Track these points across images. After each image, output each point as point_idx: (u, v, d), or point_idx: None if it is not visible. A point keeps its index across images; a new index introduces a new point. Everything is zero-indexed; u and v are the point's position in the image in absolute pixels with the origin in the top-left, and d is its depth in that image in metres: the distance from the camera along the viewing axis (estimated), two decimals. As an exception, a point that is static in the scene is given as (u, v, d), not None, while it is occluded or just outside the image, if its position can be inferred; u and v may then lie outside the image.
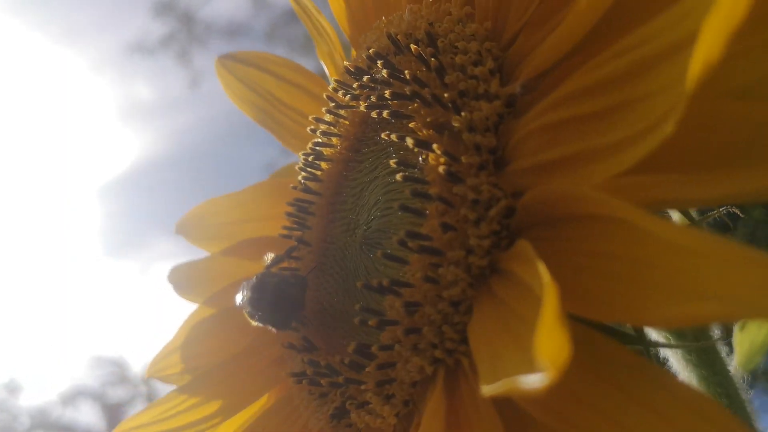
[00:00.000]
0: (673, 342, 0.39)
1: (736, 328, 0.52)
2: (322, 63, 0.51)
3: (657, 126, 0.24)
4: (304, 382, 0.41)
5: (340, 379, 0.38)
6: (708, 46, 0.21)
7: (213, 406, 0.49)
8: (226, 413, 0.48)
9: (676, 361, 0.44)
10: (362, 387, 0.36)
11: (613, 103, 0.26)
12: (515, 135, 0.31)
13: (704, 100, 0.25)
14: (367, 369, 0.35)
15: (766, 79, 0.25)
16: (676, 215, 0.38)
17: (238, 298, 0.46)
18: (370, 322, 0.35)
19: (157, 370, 0.56)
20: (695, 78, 0.21)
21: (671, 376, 0.26)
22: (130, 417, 0.52)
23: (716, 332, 0.42)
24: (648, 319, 0.24)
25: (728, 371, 0.42)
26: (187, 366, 0.54)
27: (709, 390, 0.43)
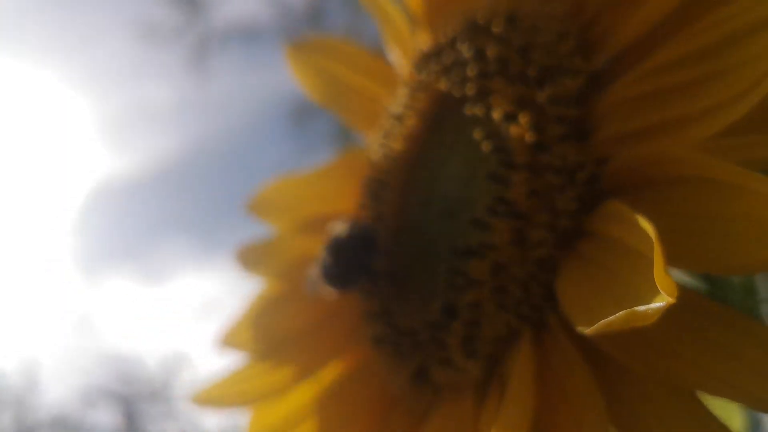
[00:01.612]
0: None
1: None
2: (391, 48, 0.54)
3: (748, 92, 0.26)
4: (385, 343, 0.44)
5: (423, 338, 0.41)
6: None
7: (284, 372, 0.52)
8: (296, 378, 0.51)
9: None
10: (446, 343, 0.38)
11: (704, 72, 0.29)
12: (599, 106, 0.34)
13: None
14: (452, 326, 0.38)
15: None
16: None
17: (312, 269, 0.49)
18: (456, 282, 0.37)
19: (230, 341, 0.59)
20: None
21: (760, 326, 0.28)
22: (208, 383, 0.55)
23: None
24: (742, 267, 0.26)
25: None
26: (259, 337, 0.57)
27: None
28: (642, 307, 0.24)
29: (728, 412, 0.42)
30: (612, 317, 0.25)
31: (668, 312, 0.30)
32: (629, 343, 0.30)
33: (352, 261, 0.45)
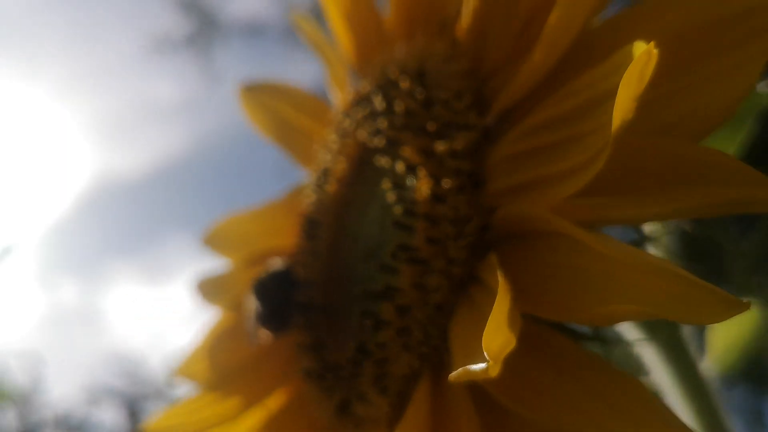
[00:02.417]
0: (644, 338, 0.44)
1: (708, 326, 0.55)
2: (332, 91, 0.57)
3: (594, 159, 0.29)
4: (312, 377, 0.47)
5: (344, 374, 0.43)
6: (622, 103, 0.26)
7: (232, 402, 0.55)
8: (243, 407, 0.54)
9: (650, 359, 0.48)
10: (361, 380, 0.41)
11: (564, 136, 0.32)
12: (489, 160, 0.37)
13: (635, 137, 0.29)
14: (365, 364, 0.40)
15: (681, 120, 0.30)
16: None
17: (247, 306, 0.51)
18: (367, 323, 0.40)
19: (185, 372, 0.61)
20: (616, 126, 0.26)
21: (621, 373, 0.31)
22: (160, 413, 0.57)
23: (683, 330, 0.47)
24: (585, 318, 0.29)
25: (696, 368, 0.47)
26: (212, 367, 0.60)
27: (682, 385, 0.47)
28: (473, 367, 0.26)
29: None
30: (455, 373, 0.27)
31: (540, 359, 0.32)
32: (510, 386, 0.33)
33: (277, 300, 0.47)
